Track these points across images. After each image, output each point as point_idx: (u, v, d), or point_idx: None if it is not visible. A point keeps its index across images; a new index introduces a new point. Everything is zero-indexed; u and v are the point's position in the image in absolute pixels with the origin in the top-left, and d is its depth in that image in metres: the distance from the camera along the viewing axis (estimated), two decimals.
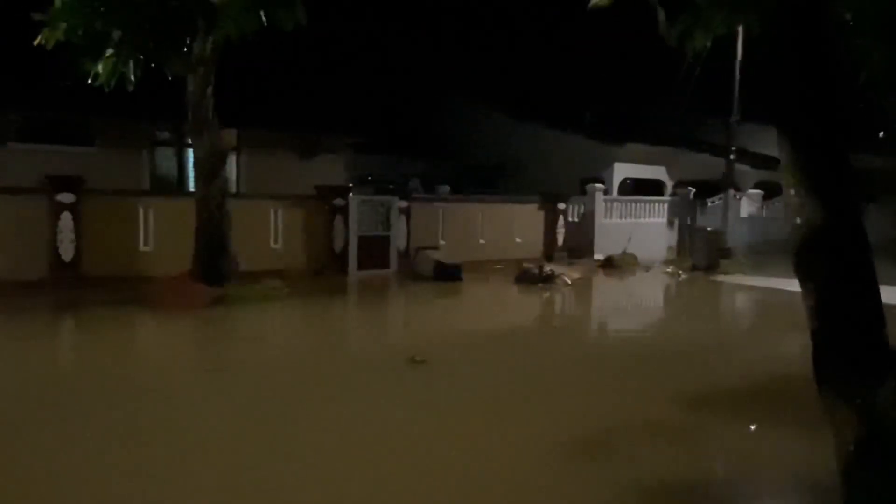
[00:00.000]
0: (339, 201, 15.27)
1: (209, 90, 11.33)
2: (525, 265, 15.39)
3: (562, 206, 19.37)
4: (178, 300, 10.95)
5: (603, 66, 26.51)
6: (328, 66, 20.29)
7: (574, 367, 7.89)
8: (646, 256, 19.30)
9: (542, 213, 19.07)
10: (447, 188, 21.14)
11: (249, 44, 10.53)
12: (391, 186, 20.29)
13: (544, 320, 12.27)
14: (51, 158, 14.02)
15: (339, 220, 15.24)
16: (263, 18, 10.14)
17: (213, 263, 11.71)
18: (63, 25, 9.71)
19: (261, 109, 16.89)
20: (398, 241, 16.06)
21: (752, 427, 5.80)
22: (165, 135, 16.73)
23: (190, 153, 14.65)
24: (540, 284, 14.54)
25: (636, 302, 14.67)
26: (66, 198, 12.05)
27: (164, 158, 16.86)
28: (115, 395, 6.37)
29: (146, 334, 9.83)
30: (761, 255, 20.48)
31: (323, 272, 14.85)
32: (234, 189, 15.69)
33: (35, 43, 9.85)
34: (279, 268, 13.71)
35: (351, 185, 16.82)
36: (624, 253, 18.80)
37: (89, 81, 10.30)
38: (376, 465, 4.81)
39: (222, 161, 12.15)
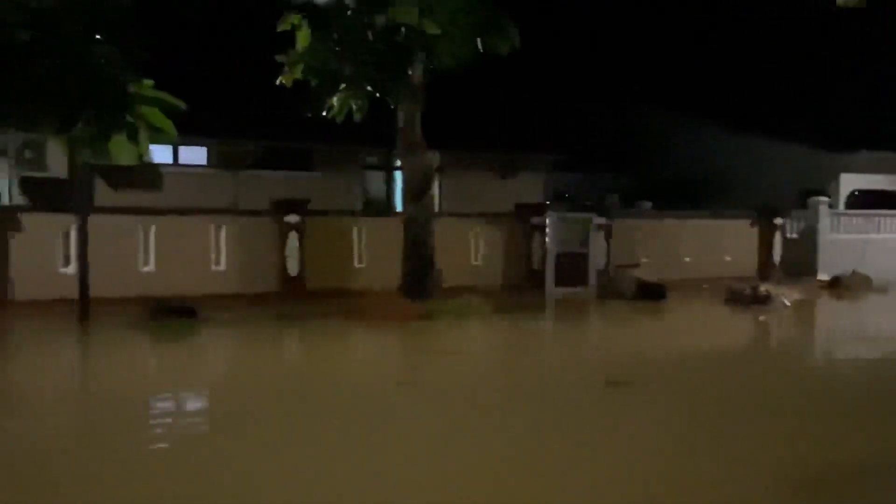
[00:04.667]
0: (537, 219, 15.34)
1: (418, 115, 12.00)
2: (736, 285, 14.33)
3: (778, 221, 17.83)
4: (387, 314, 11.59)
5: (824, 69, 24.12)
6: (525, 84, 20.54)
7: (794, 397, 7.15)
8: (881, 277, 17.10)
9: (755, 229, 17.69)
10: (649, 204, 20.36)
11: (450, 67, 11.03)
12: (589, 203, 19.97)
13: (760, 345, 11.32)
14: (279, 183, 15.59)
15: (537, 237, 15.29)
16: (480, 46, 10.57)
17: (419, 279, 12.29)
18: (301, 66, 10.84)
19: (461, 131, 17.51)
20: (597, 258, 15.74)
21: None
22: (375, 159, 17.94)
23: (398, 175, 15.57)
24: (754, 306, 13.44)
25: (870, 328, 13.02)
26: (293, 219, 13.33)
27: (375, 181, 18.08)
28: (321, 398, 6.83)
29: (355, 345, 10.52)
30: None
31: (521, 289, 14.96)
32: (437, 208, 16.39)
33: (277, 82, 11.09)
34: (479, 284, 14.04)
35: (548, 202, 16.81)
36: (854, 273, 16.82)
37: (324, 114, 11.42)
38: (580, 490, 4.67)
39: (429, 182, 12.77)
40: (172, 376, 8.23)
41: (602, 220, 15.94)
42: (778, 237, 17.76)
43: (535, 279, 15.21)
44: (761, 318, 12.78)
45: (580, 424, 6.10)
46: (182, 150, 15.51)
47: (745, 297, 13.71)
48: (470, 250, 14.96)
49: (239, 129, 14.75)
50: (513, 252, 15.26)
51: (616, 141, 27.67)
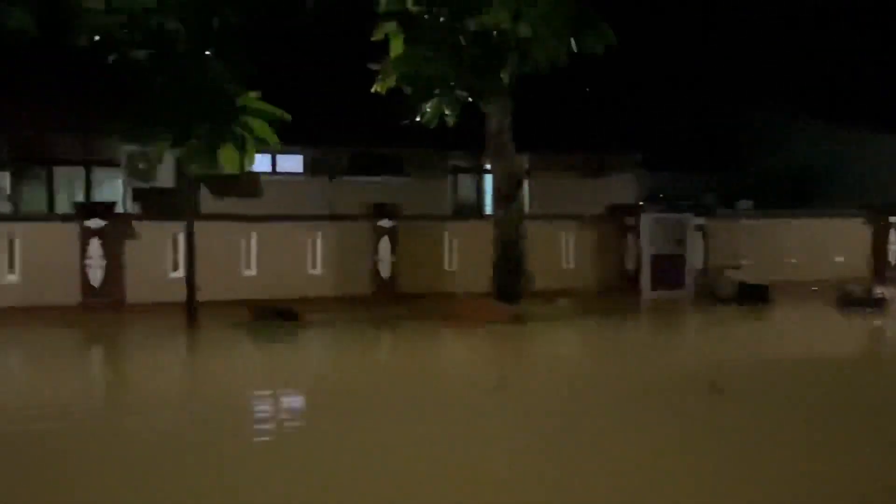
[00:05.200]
0: (630, 220, 14.98)
1: (508, 118, 11.98)
2: (847, 287, 13.50)
3: (894, 219, 16.69)
4: (477, 317, 11.61)
5: None
6: (615, 82, 20.09)
7: None
8: None
9: (869, 228, 16.63)
10: (749, 202, 19.49)
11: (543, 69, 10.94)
12: (685, 203, 19.31)
13: (875, 351, 10.61)
14: (371, 189, 15.89)
15: (630, 239, 14.94)
16: (574, 45, 10.46)
17: (510, 282, 12.25)
18: (395, 73, 11.04)
19: (550, 132, 17.33)
20: (695, 260, 15.20)
21: None
22: (464, 162, 18.03)
23: (487, 178, 15.59)
24: (867, 309, 12.63)
25: None
26: (385, 223, 13.58)
27: (465, 184, 18.17)
28: (414, 399, 6.90)
29: (447, 348, 10.61)
30: None
31: (614, 292, 14.65)
32: (526, 211, 16.28)
33: (372, 90, 11.33)
34: (570, 287, 13.85)
35: (642, 202, 16.39)
36: None
37: (418, 120, 11.58)
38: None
39: (518, 185, 12.72)
40: (276, 375, 8.54)
41: (700, 220, 15.39)
42: (893, 236, 16.62)
43: (628, 282, 14.86)
44: (876, 322, 11.98)
45: (683, 433, 5.89)
46: (279, 158, 16.08)
47: (857, 300, 12.91)
48: (561, 253, 14.78)
49: (333, 137, 15.16)
50: (605, 254, 14.97)
51: (712, 137, 26.64)
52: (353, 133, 15.87)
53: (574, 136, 17.82)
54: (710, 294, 14.42)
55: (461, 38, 10.60)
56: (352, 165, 16.73)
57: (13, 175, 15.31)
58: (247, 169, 7.69)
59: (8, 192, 15.16)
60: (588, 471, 5.00)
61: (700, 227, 15.32)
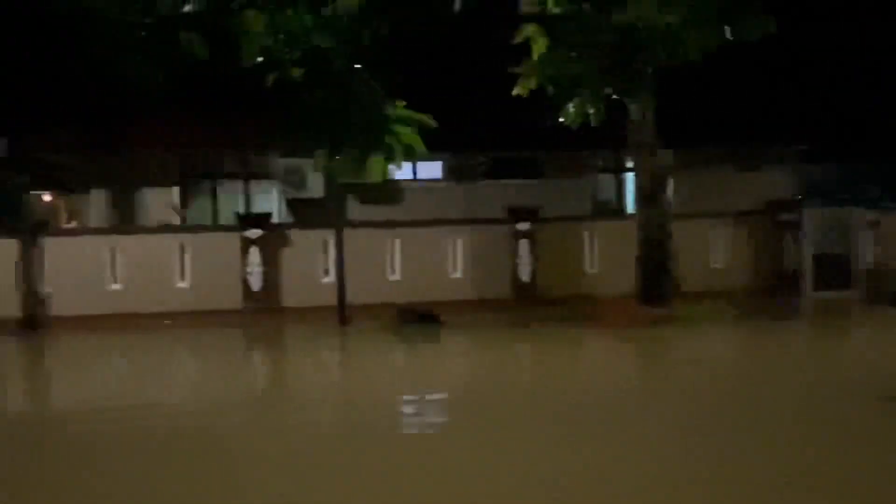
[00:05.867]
0: (787, 216, 13.97)
1: (651, 113, 11.56)
2: None
3: None
4: (621, 320, 11.29)
5: None
6: (766, 70, 18.80)
7: None
8: None
9: None
10: None
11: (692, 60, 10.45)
12: (848, 196, 17.73)
13: None
14: (510, 192, 15.87)
15: (787, 236, 13.93)
16: (728, 33, 9.94)
17: (655, 284, 11.80)
18: (537, 75, 10.99)
19: (696, 125, 16.50)
20: (863, 258, 13.91)
21: None
22: (603, 162, 17.60)
23: (629, 177, 15.13)
24: None
25: None
26: (524, 226, 13.54)
27: (605, 184, 17.75)
28: (556, 402, 6.81)
29: (589, 351, 10.40)
30: None
31: (770, 293, 13.71)
32: (672, 209, 15.64)
33: (513, 93, 11.33)
34: (721, 288, 13.13)
35: (800, 196, 15.24)
36: None
37: (561, 121, 11.45)
38: None
39: (663, 183, 12.24)
40: (422, 376, 8.76)
41: (871, 216, 14.06)
42: None
43: (786, 282, 13.85)
44: None
45: (853, 445, 5.38)
46: (419, 164, 16.47)
47: None
48: (709, 252, 14.05)
49: (472, 142, 15.31)
50: (759, 252, 14.05)
51: (877, 126, 24.27)
52: (491, 137, 15.96)
53: (723, 128, 16.85)
54: (882, 295, 13.10)
55: (605, 34, 10.34)
56: (490, 169, 16.83)
57: (182, 190, 16.77)
58: (391, 177, 7.94)
59: (178, 205, 16.63)
60: (744, 486, 4.69)
61: (871, 223, 13.99)
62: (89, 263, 12.48)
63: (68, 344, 11.37)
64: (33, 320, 12.06)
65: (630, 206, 16.04)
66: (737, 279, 13.80)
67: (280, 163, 16.04)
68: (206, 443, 5.86)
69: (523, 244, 13.49)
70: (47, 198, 18.83)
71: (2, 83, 11.60)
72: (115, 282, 12.57)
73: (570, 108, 11.09)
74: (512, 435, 5.89)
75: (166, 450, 5.65)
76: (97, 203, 16.47)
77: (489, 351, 10.34)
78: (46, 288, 12.32)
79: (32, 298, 12.20)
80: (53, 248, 12.53)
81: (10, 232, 12.40)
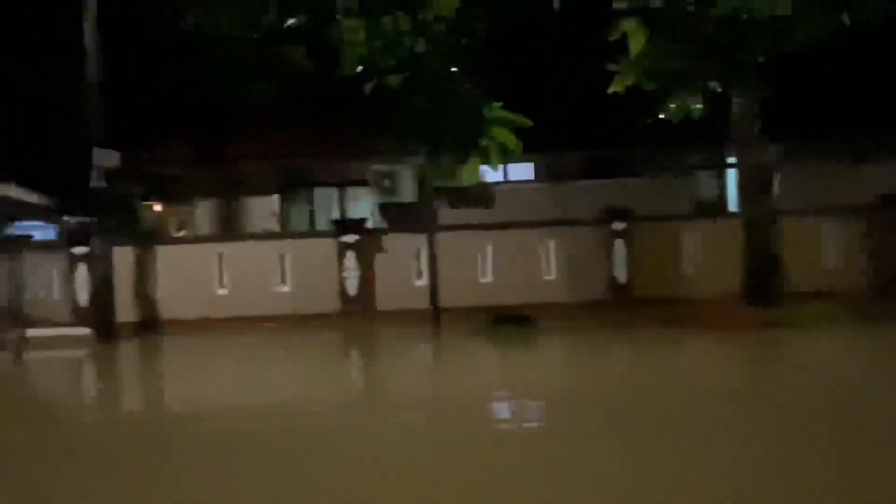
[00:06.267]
0: None
1: (754, 106, 11.02)
2: None
3: None
4: (724, 323, 10.82)
5: None
6: (878, 55, 17.54)
7: None
8: None
9: None
10: None
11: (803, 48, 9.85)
12: None
13: None
14: (604, 192, 15.55)
15: None
16: (846, 18, 9.32)
17: (762, 285, 11.24)
18: (636, 71, 10.70)
19: (804, 116, 15.60)
20: None
21: None
22: (702, 158, 16.96)
23: (731, 174, 14.50)
24: None
25: None
26: (619, 226, 13.21)
27: (705, 181, 17.08)
28: (653, 409, 6.56)
29: (690, 355, 9.98)
30: None
31: (891, 294, 12.75)
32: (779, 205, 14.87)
33: (609, 91, 11.08)
34: (835, 289, 12.33)
35: None
36: None
37: (662, 117, 11.12)
38: None
39: (768, 178, 11.65)
40: (517, 380, 8.69)
41: None
42: None
43: None
44: None
45: None
46: (510, 165, 16.39)
47: None
48: (820, 250, 13.23)
49: (564, 142, 15.09)
50: (875, 250, 13.10)
51: None
52: (583, 136, 15.69)
53: (833, 118, 15.86)
54: None
55: (707, 25, 9.92)
56: (583, 169, 16.55)
57: (281, 198, 17.42)
58: (483, 178, 7.92)
59: (277, 212, 17.28)
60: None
61: None
62: (197, 270, 13.14)
63: (181, 346, 12.00)
64: (148, 324, 12.80)
65: (733, 203, 15.38)
66: (851, 279, 12.92)
67: (374, 169, 16.38)
68: (312, 441, 6.05)
69: (619, 245, 13.16)
70: (158, 208, 20.02)
71: (117, 100, 12.39)
72: (222, 287, 13.17)
73: (672, 103, 10.70)
74: (612, 440, 5.73)
75: (278, 448, 5.87)
76: (204, 212, 17.37)
77: (586, 353, 10.14)
78: (159, 293, 13.06)
79: (147, 303, 12.96)
80: (165, 256, 13.28)
81: (126, 241, 13.19)
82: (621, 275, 13.16)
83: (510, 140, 6.86)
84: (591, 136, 15.55)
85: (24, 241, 17.74)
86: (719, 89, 10.73)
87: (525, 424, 6.64)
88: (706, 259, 13.03)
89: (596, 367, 9.26)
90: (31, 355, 11.41)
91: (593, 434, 5.91)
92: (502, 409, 7.25)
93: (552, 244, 13.26)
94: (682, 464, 5.08)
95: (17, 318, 12.88)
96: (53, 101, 18.03)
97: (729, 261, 11.85)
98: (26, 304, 14.71)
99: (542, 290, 12.96)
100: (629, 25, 10.43)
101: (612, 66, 10.86)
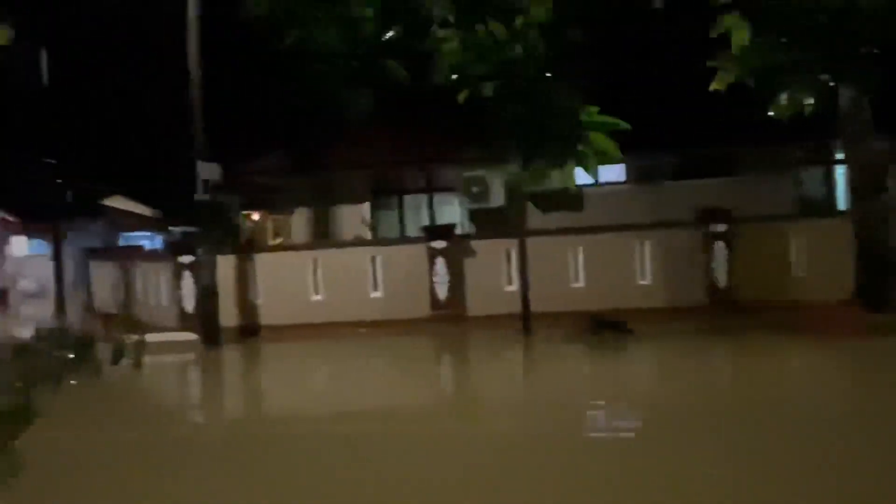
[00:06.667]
0: None
1: (865, 98, 10.35)
2: None
3: None
4: (835, 329, 10.21)
5: None
6: None
7: None
8: None
9: None
10: None
11: None
12: None
13: None
14: (701, 192, 14.97)
15: None
16: None
17: (878, 288, 10.54)
18: (740, 67, 10.24)
19: None
20: None
21: None
22: (807, 154, 16.09)
23: (840, 170, 13.69)
24: None
25: None
26: (718, 228, 12.69)
27: (810, 179, 16.19)
28: (754, 421, 6.24)
29: (792, 364, 9.48)
30: None
31: None
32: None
33: (711, 88, 10.65)
34: None
35: None
36: None
37: (771, 114, 10.60)
38: None
39: (881, 175, 10.91)
40: (611, 388, 8.50)
41: None
42: None
43: None
44: None
45: None
46: (600, 168, 16.06)
47: None
48: None
49: (657, 142, 14.63)
50: None
51: None
52: (677, 135, 15.19)
53: None
54: None
55: (819, 16, 9.39)
56: (677, 169, 16.02)
57: (372, 205, 17.75)
58: (576, 183, 7.77)
59: (369, 219, 17.62)
60: None
61: None
62: (293, 276, 13.54)
63: (279, 351, 12.40)
64: (248, 329, 13.31)
65: (841, 202, 14.52)
66: None
67: (462, 175, 16.44)
68: (411, 447, 6.12)
69: (718, 247, 12.63)
70: (256, 217, 20.82)
71: (219, 115, 12.96)
72: (317, 293, 13.53)
73: (782, 99, 10.16)
74: (712, 452, 5.53)
75: (377, 453, 5.98)
76: (299, 220, 17.92)
77: (685, 361, 9.79)
78: (258, 299, 13.55)
79: (248, 309, 13.47)
80: (263, 263, 13.76)
81: (227, 249, 13.76)
82: (721, 279, 12.64)
83: (608, 145, 6.64)
84: (685, 135, 15.03)
85: (135, 251, 18.90)
86: (831, 83, 10.10)
87: (623, 434, 6.48)
88: (813, 261, 12.33)
89: (698, 375, 8.94)
90: (145, 359, 12.05)
91: (695, 447, 5.70)
92: (599, 418, 7.10)
93: (647, 247, 12.89)
94: (793, 484, 4.81)
95: (134, 323, 13.68)
96: (159, 118, 19.09)
97: (839, 263, 11.20)
98: (137, 310, 15.63)
99: (636, 294, 12.62)
100: (731, 20, 9.97)
101: (713, 63, 10.42)
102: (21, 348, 2.49)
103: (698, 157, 15.85)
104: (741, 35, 9.84)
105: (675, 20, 10.47)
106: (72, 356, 2.57)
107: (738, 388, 8.40)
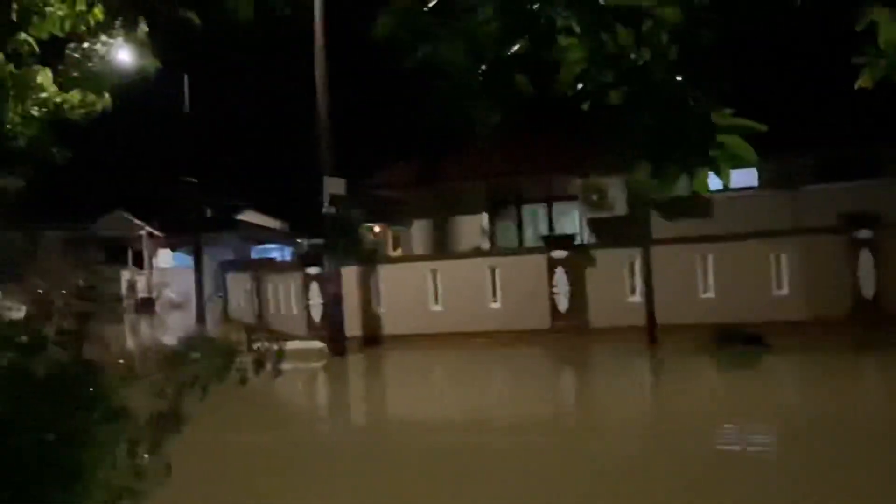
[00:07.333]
0: None
1: None
2: None
3: None
4: None
5: None
6: None
7: None
8: None
9: None
10: None
11: None
12: None
13: None
14: (844, 196, 13.88)
15: None
16: None
17: None
18: (886, 64, 9.48)
19: None
20: None
21: None
22: None
23: None
24: None
25: None
26: (864, 234, 11.73)
27: None
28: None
29: None
30: None
31: None
32: None
33: (857, 86, 9.91)
34: None
35: None
36: None
37: None
38: None
39: None
40: (744, 403, 8.02)
41: None
42: None
43: None
44: None
45: None
46: (731, 172, 15.23)
47: None
48: None
49: (793, 143, 13.68)
50: None
51: None
52: (817, 135, 14.17)
53: None
54: None
55: None
56: (816, 172, 14.92)
57: (491, 215, 17.77)
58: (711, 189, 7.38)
59: (487, 230, 17.65)
60: None
61: None
62: (414, 287, 13.78)
63: (402, 360, 12.66)
64: (372, 338, 13.67)
65: None
66: None
67: (582, 183, 16.14)
68: (536, 459, 6.05)
69: (864, 255, 11.67)
70: (378, 229, 21.46)
71: (345, 131, 13.45)
72: (436, 303, 13.69)
73: None
74: (857, 481, 5.05)
75: (501, 464, 5.96)
76: (419, 232, 18.25)
77: (827, 378, 9.08)
78: (380, 309, 13.90)
79: (371, 319, 13.85)
80: (384, 274, 14.11)
81: (352, 261, 14.21)
82: (867, 289, 11.66)
83: (743, 148, 6.26)
84: (825, 134, 14.00)
85: (266, 263, 19.97)
86: None
87: (757, 455, 6.09)
88: None
89: (841, 392, 8.25)
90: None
91: (830, 471, 5.26)
92: (731, 438, 6.70)
93: (784, 256, 12.09)
94: None
95: (271, 331, 14.41)
96: (289, 138, 20.09)
97: None
98: (268, 318, 16.46)
99: (772, 306, 11.85)
100: (879, 13, 9.19)
101: (858, 60, 9.64)
102: (171, 355, 2.65)
103: (841, 158, 14.69)
104: (890, 28, 9.03)
105: (814, 14, 9.78)
106: (218, 364, 2.70)
107: (886, 409, 7.67)
